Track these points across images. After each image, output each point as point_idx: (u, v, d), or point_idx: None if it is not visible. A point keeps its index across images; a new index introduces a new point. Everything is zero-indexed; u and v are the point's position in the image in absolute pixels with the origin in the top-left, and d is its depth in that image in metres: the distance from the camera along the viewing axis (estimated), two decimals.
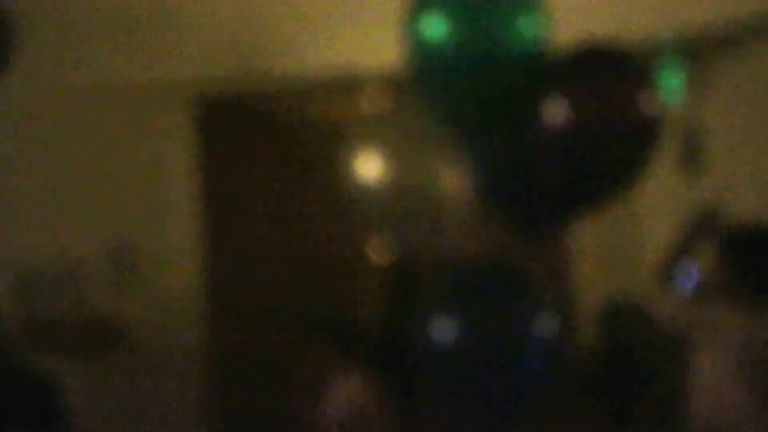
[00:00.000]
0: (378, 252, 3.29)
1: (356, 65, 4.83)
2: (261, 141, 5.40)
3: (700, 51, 4.68)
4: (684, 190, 4.91)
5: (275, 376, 5.23)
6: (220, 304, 5.30)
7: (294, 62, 4.93)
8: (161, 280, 5.14)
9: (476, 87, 2.75)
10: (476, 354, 2.84)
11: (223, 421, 5.26)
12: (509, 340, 2.86)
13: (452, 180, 3.28)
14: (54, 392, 3.61)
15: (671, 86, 4.75)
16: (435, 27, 2.73)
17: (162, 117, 5.18)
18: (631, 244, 5.18)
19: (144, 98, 5.14)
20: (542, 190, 2.90)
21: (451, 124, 2.92)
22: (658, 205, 5.14)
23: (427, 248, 3.04)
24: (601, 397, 2.87)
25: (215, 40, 5.01)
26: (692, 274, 3.64)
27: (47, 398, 3.52)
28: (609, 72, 2.78)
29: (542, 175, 2.85)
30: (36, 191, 5.13)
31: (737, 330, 3.19)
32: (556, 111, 2.72)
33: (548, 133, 2.74)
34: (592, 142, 2.72)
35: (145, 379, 5.03)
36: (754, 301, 3.27)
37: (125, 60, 5.06)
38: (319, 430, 3.89)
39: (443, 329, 2.89)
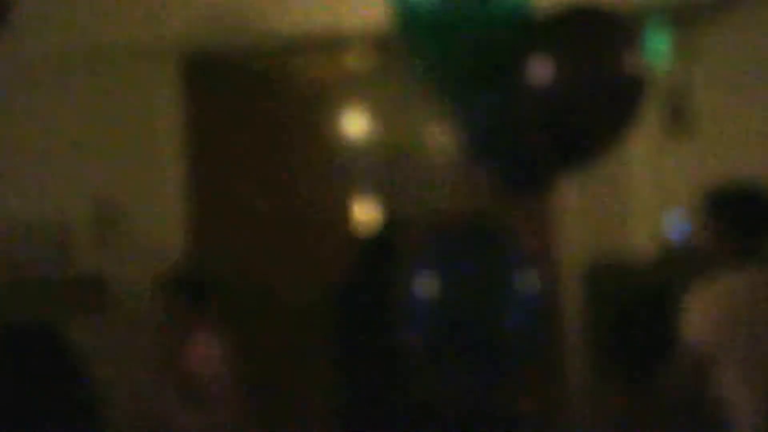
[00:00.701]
0: (363, 211, 3.29)
1: (341, 23, 4.81)
2: (246, 99, 5.38)
3: (686, 14, 4.67)
4: (670, 151, 4.93)
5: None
6: (205, 262, 5.31)
7: (280, 20, 4.91)
8: (146, 237, 5.14)
9: (462, 45, 2.74)
10: (457, 311, 2.86)
11: None
12: (490, 297, 2.88)
13: (438, 138, 3.28)
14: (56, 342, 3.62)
15: (658, 49, 4.75)
16: None
17: (147, 75, 5.16)
18: (616, 205, 5.20)
19: (128, 57, 5.12)
20: (528, 149, 2.90)
21: (437, 83, 2.91)
22: (643, 167, 5.16)
23: (413, 207, 3.04)
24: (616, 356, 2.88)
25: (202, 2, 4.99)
26: (682, 227, 3.67)
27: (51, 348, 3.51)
28: (595, 32, 2.77)
29: (527, 133, 2.85)
30: (21, 150, 5.12)
31: (723, 283, 3.26)
32: (541, 70, 2.71)
33: (534, 91, 2.73)
34: (578, 102, 2.71)
35: (128, 337, 5.04)
36: (739, 256, 3.32)
37: (112, 20, 5.03)
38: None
39: (424, 287, 2.90)
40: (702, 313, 3.19)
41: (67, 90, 5.12)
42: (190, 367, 4.03)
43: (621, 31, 2.79)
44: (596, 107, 2.73)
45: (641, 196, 5.19)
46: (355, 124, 2.98)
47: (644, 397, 2.67)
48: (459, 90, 2.90)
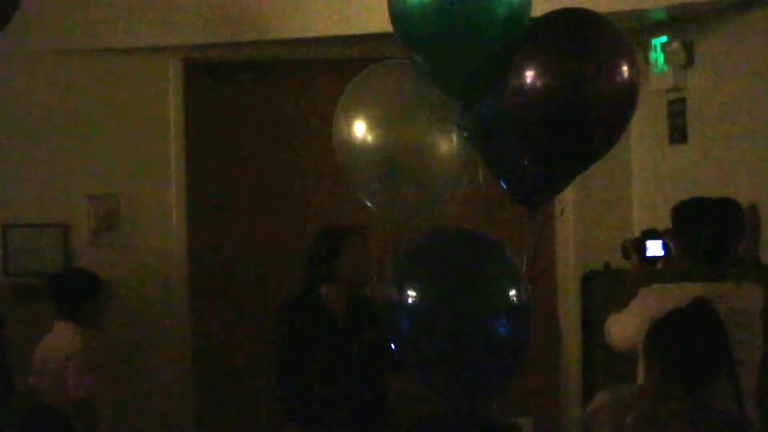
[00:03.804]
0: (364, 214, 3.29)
1: (343, 24, 4.83)
2: (247, 99, 5.40)
3: (685, 21, 4.69)
4: (668, 160, 4.94)
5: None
6: (202, 261, 5.31)
7: (281, 21, 4.93)
8: (144, 233, 5.15)
9: (460, 47, 2.76)
10: (447, 318, 2.86)
11: (204, 376, 5.30)
12: (481, 306, 2.88)
13: (439, 142, 3.29)
14: None
15: (656, 56, 4.77)
16: None
17: (148, 73, 5.18)
18: (616, 212, 5.21)
19: (130, 55, 5.14)
20: (524, 154, 2.91)
21: (436, 84, 2.93)
22: (642, 174, 5.16)
23: (411, 209, 3.05)
24: None
25: (204, 3, 5.01)
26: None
27: None
28: (591, 36, 2.78)
29: (523, 137, 2.86)
30: (22, 145, 5.14)
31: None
32: (537, 73, 2.73)
33: (529, 95, 2.74)
34: (573, 106, 2.72)
35: (127, 333, 5.06)
36: (698, 269, 3.39)
37: (114, 18, 5.06)
38: None
39: (413, 292, 2.90)
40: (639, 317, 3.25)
41: (68, 87, 5.14)
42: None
43: (617, 36, 2.80)
44: (592, 112, 2.74)
45: (639, 202, 5.21)
46: (358, 127, 3.00)
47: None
48: (457, 92, 2.91)
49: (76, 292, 4.36)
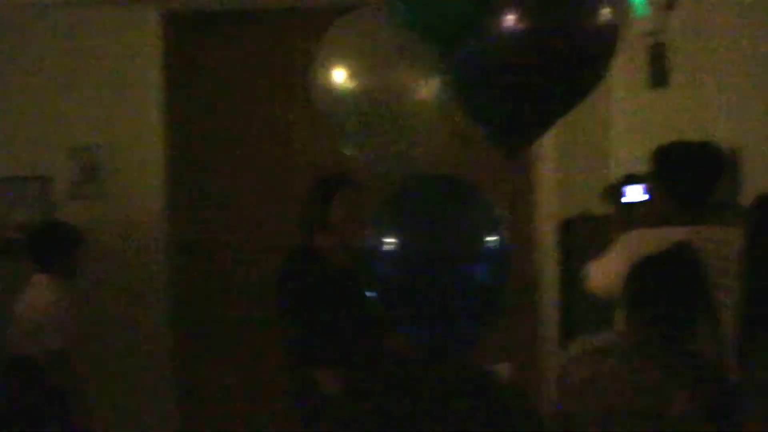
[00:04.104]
0: (346, 164, 3.25)
1: None
2: (229, 49, 5.34)
3: None
4: (650, 106, 4.91)
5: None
6: (185, 214, 5.28)
7: None
8: (126, 187, 5.12)
9: None
10: (423, 266, 2.84)
11: (183, 329, 5.29)
12: (456, 250, 2.86)
13: (422, 89, 3.24)
14: None
15: None
16: None
17: (129, 24, 5.11)
18: (593, 156, 5.19)
19: (110, 5, 5.06)
20: (506, 99, 2.88)
21: (418, 31, 2.89)
22: (624, 120, 5.14)
23: (395, 158, 3.01)
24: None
25: None
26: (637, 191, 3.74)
27: None
28: None
29: (505, 82, 2.83)
30: (2, 100, 5.09)
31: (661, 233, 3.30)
32: (516, 16, 2.69)
33: (509, 38, 2.71)
34: (553, 48, 2.69)
35: (108, 286, 5.04)
36: (683, 213, 3.36)
37: None
38: None
39: (390, 237, 2.89)
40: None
41: (48, 39, 5.07)
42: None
43: None
44: (572, 53, 2.71)
45: (619, 147, 5.19)
46: (338, 75, 2.94)
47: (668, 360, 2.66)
48: (438, 39, 2.87)
49: (53, 246, 4.33)
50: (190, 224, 5.33)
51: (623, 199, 3.81)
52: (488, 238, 2.91)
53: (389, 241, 2.88)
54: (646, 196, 3.74)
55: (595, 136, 5.19)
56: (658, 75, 4.76)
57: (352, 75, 2.94)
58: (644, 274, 2.74)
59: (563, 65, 2.72)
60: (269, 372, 5.05)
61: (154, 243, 5.15)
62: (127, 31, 5.13)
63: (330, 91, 2.98)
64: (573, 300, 4.89)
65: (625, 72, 4.92)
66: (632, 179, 3.85)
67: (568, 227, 5.03)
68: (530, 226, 5.27)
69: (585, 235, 4.73)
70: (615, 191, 3.84)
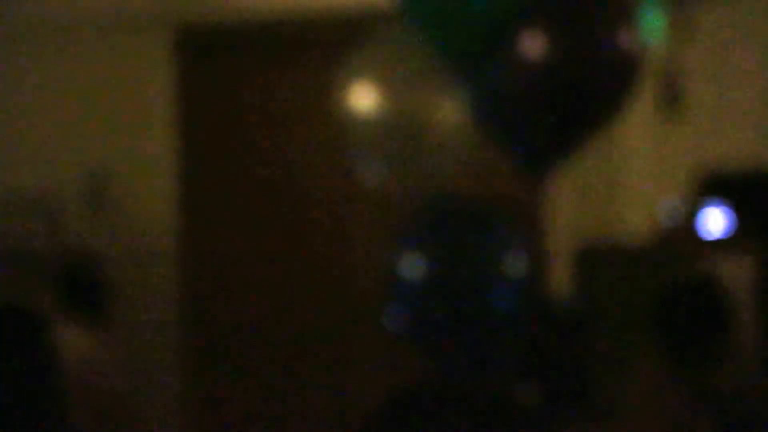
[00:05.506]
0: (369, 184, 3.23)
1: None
2: (242, 71, 5.34)
3: None
4: (663, 132, 4.90)
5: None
6: (197, 235, 5.26)
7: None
8: (136, 209, 5.11)
9: (463, 18, 2.72)
10: (442, 291, 2.84)
11: (198, 350, 5.26)
12: (475, 278, 2.86)
13: (445, 112, 3.23)
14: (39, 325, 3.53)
15: (653, 25, 4.70)
16: None
17: (140, 46, 5.12)
18: (610, 187, 5.17)
19: (122, 27, 5.07)
20: (526, 126, 2.88)
21: (441, 55, 2.89)
22: (637, 147, 5.12)
23: (417, 181, 3.01)
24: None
25: None
26: (676, 210, 3.67)
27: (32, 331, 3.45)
28: (591, 6, 2.75)
29: (525, 110, 2.83)
30: (12, 119, 5.09)
31: None
32: (537, 45, 2.69)
33: (529, 67, 2.71)
34: (572, 77, 2.69)
35: (119, 309, 5.01)
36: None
37: None
38: None
39: (411, 266, 2.89)
40: None
41: (59, 61, 5.08)
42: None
43: (617, 7, 2.77)
44: (591, 83, 2.71)
45: (635, 178, 5.17)
46: (362, 97, 2.93)
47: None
48: (461, 63, 2.88)
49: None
50: (202, 253, 5.31)
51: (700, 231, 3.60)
52: (506, 265, 2.90)
53: (409, 267, 2.87)
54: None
55: (609, 166, 5.18)
56: (671, 104, 4.76)
57: (375, 98, 2.95)
58: (671, 305, 2.73)
59: (584, 91, 2.72)
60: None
61: (165, 273, 5.13)
62: (139, 55, 5.13)
63: (353, 115, 2.98)
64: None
65: (640, 100, 4.91)
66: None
67: (583, 258, 4.97)
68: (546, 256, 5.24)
69: (604, 267, 4.65)
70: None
